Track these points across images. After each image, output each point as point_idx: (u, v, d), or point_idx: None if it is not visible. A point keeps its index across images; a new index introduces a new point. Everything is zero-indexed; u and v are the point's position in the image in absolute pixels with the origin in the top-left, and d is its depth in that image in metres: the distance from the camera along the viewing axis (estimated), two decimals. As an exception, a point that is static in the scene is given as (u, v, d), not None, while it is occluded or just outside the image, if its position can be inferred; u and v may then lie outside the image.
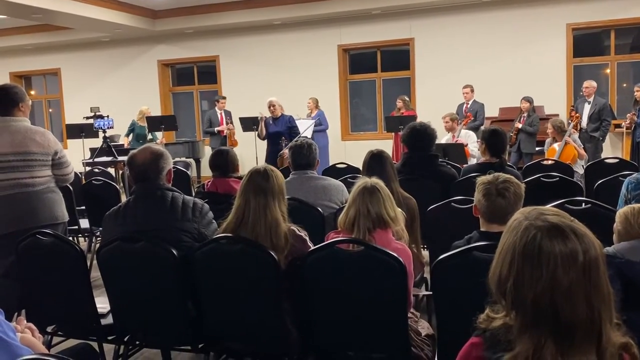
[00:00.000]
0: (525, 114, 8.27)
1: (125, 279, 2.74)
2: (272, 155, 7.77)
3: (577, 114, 7.87)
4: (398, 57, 10.81)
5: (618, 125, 8.63)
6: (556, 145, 6.47)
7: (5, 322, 1.62)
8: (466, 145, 6.80)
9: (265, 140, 8.22)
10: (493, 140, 4.16)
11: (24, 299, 3.10)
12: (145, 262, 2.65)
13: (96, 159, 7.68)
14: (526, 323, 1.19)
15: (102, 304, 2.90)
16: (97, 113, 7.77)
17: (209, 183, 3.79)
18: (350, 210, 2.54)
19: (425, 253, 3.81)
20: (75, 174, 4.13)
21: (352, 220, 2.51)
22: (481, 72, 9.68)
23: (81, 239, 5.70)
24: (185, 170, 6.22)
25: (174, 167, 3.13)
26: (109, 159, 7.58)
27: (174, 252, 2.56)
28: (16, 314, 3.30)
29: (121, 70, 12.35)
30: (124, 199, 3.60)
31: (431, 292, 2.49)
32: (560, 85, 9.55)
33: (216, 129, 9.83)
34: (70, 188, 4.59)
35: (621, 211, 2.44)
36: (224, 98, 10.14)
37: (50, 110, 13.81)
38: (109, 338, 2.88)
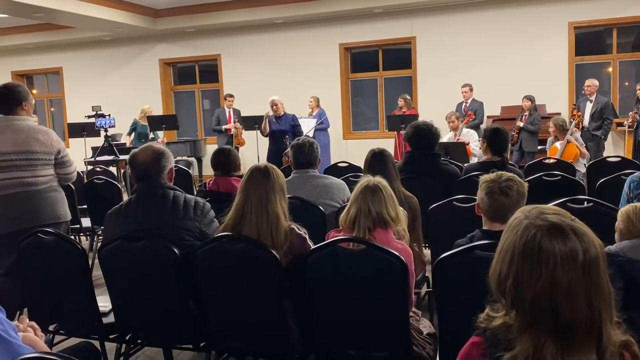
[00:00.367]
0: (527, 113, 8.27)
1: (127, 277, 2.74)
2: (274, 154, 7.68)
3: (579, 113, 7.86)
4: (400, 55, 10.80)
5: (620, 124, 8.61)
6: (558, 144, 6.47)
7: (6, 321, 1.63)
8: (468, 144, 6.80)
9: (267, 139, 8.21)
10: (495, 139, 4.16)
11: (26, 298, 3.10)
12: (146, 261, 2.65)
13: (98, 158, 7.68)
14: (526, 322, 1.19)
15: (104, 302, 2.90)
16: (99, 112, 7.77)
17: (211, 182, 3.79)
18: (351, 209, 2.54)
19: (427, 252, 3.81)
20: (77, 172, 4.13)
21: (353, 218, 2.51)
22: (483, 70, 9.67)
23: (83, 238, 5.71)
24: (187, 169, 6.23)
25: (175, 166, 3.13)
26: (111, 157, 7.58)
27: (176, 251, 2.56)
28: (18, 312, 3.31)
29: (123, 69, 12.36)
30: (125, 197, 3.60)
31: (432, 291, 2.49)
32: (562, 83, 9.53)
33: (223, 127, 9.84)
34: (72, 187, 4.60)
35: (623, 210, 2.44)
36: (232, 96, 10.14)
37: (52, 109, 13.83)
38: (111, 337, 2.89)
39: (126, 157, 3.35)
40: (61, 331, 3.02)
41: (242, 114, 9.78)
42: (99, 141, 8.14)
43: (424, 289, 3.66)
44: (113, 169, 7.43)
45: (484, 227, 2.41)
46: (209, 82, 12.22)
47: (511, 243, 1.22)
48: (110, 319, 2.86)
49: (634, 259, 2.21)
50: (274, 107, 7.89)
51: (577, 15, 9.35)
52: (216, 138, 10.13)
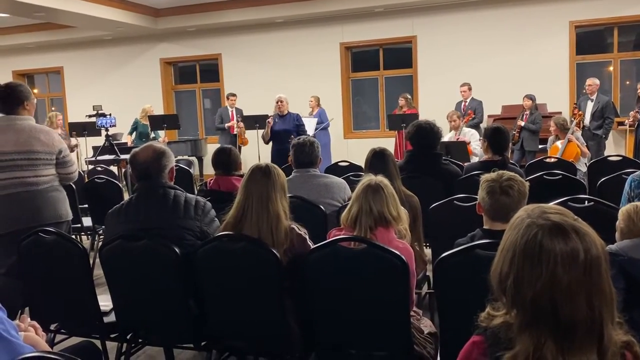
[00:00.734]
0: (528, 112, 8.27)
1: (128, 277, 2.75)
2: (279, 154, 7.49)
3: (580, 112, 7.85)
4: (400, 55, 10.80)
5: (621, 123, 8.61)
6: (559, 143, 6.46)
7: (7, 320, 1.63)
8: (469, 143, 6.79)
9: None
10: (496, 138, 4.15)
11: (27, 297, 3.10)
12: (147, 260, 2.65)
13: (99, 157, 7.68)
14: (526, 321, 1.19)
15: (105, 301, 2.90)
16: (100, 111, 7.77)
17: (212, 181, 3.80)
18: (353, 207, 2.54)
19: (428, 251, 3.81)
20: (78, 172, 4.14)
21: (355, 217, 2.51)
22: (484, 69, 9.67)
23: (84, 237, 5.72)
24: (188, 169, 6.23)
25: (176, 165, 3.13)
26: (112, 157, 7.59)
27: (176, 250, 2.56)
28: (19, 312, 3.32)
29: (124, 69, 12.36)
30: (126, 197, 3.60)
31: (433, 290, 2.48)
32: (563, 82, 9.53)
33: (226, 124, 9.85)
34: (73, 186, 4.60)
35: (624, 209, 2.44)
36: (234, 95, 10.15)
37: (53, 108, 13.83)
38: (112, 336, 2.89)
39: (127, 156, 3.35)
40: (62, 330, 3.03)
41: (243, 113, 9.80)
42: (100, 141, 8.14)
43: (425, 289, 3.66)
44: (114, 169, 7.42)
45: (484, 227, 2.41)
46: (209, 81, 12.23)
47: (513, 242, 1.22)
48: (111, 318, 2.87)
49: (635, 258, 2.21)
50: (279, 103, 7.80)
51: (578, 14, 9.34)
52: (218, 137, 10.14)
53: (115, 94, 11.91)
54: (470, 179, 3.79)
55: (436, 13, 10.06)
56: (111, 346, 2.97)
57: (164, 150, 2.86)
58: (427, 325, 2.64)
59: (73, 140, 8.55)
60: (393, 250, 2.30)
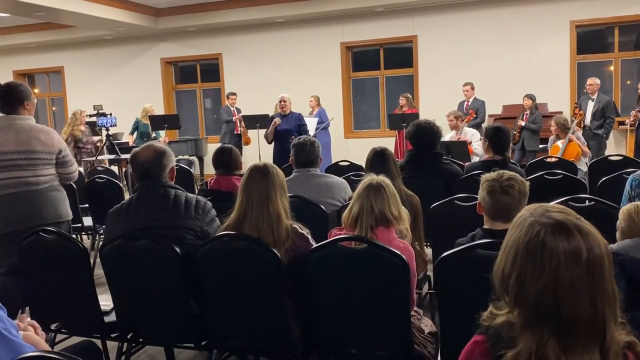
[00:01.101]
0: (528, 112, 8.27)
1: (128, 276, 2.75)
2: (281, 153, 7.47)
3: (581, 112, 7.84)
4: (401, 54, 10.80)
5: (622, 123, 8.60)
6: (560, 143, 6.46)
7: (8, 319, 1.63)
8: (470, 143, 6.78)
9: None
10: (496, 138, 4.15)
11: (27, 297, 3.10)
12: (148, 260, 2.65)
13: (99, 157, 7.68)
14: (528, 320, 1.18)
15: (105, 301, 2.90)
16: (100, 111, 7.78)
17: (212, 181, 3.80)
18: (354, 207, 2.54)
19: (429, 251, 3.81)
20: (79, 171, 4.13)
21: (356, 216, 2.51)
22: (484, 69, 9.67)
23: (84, 237, 5.72)
24: (188, 168, 6.23)
25: (176, 165, 3.13)
26: (112, 156, 7.59)
27: (177, 249, 2.56)
28: (19, 311, 3.31)
29: (124, 68, 12.37)
30: (127, 196, 3.60)
31: (434, 290, 2.48)
32: (563, 82, 9.53)
33: (233, 117, 9.94)
34: (74, 186, 4.60)
35: (624, 209, 2.43)
36: (235, 94, 10.17)
37: (53, 108, 13.84)
38: (112, 335, 2.89)
39: (127, 156, 3.35)
40: (62, 330, 3.02)
41: (243, 114, 9.82)
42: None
43: (425, 288, 3.66)
44: (114, 168, 7.43)
45: (485, 226, 2.40)
46: (210, 81, 12.23)
47: (515, 240, 1.22)
48: (112, 317, 2.87)
49: (636, 257, 2.21)
50: (282, 103, 7.79)
51: (578, 14, 9.34)
52: (219, 137, 10.15)
53: (115, 93, 11.92)
54: (471, 178, 3.78)
55: (437, 13, 10.05)
56: (112, 346, 2.97)
57: (164, 149, 2.85)
58: (427, 325, 2.63)
59: (96, 137, 8.74)
60: (394, 250, 2.30)
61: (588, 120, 8.05)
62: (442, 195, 3.55)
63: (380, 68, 11.01)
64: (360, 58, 11.23)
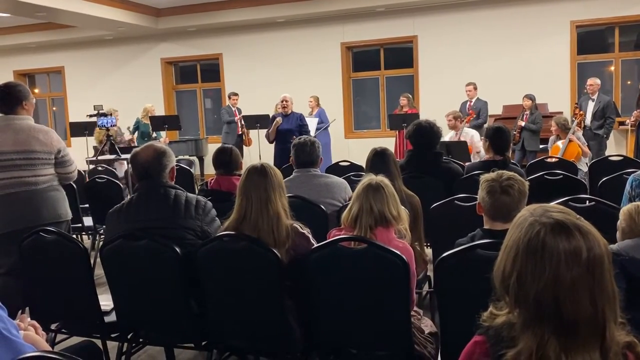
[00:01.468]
0: (528, 112, 8.26)
1: (129, 276, 2.75)
2: (282, 153, 7.48)
3: (581, 112, 7.84)
4: (401, 54, 10.80)
5: (622, 123, 8.60)
6: (560, 143, 6.46)
7: (8, 320, 1.63)
8: (470, 143, 6.78)
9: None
10: (497, 138, 4.15)
11: (27, 297, 3.10)
12: (148, 260, 2.65)
13: (99, 157, 7.68)
14: (529, 319, 1.19)
15: (106, 301, 2.90)
16: (101, 111, 7.77)
17: (212, 181, 3.80)
18: (353, 207, 2.54)
19: (429, 251, 3.81)
20: (79, 171, 4.13)
21: (355, 216, 2.51)
22: (485, 69, 9.66)
23: (85, 237, 5.72)
24: (189, 168, 6.23)
25: (177, 165, 3.13)
26: (113, 156, 7.58)
27: (177, 249, 2.56)
28: (20, 311, 3.31)
29: (124, 69, 12.37)
30: (127, 196, 3.60)
31: (434, 290, 2.48)
32: (564, 82, 9.52)
33: (235, 118, 9.94)
34: (74, 186, 4.60)
35: (625, 209, 2.43)
36: (236, 94, 10.18)
37: (54, 108, 13.84)
38: (113, 335, 2.89)
39: (128, 156, 3.35)
40: (63, 330, 3.02)
41: (243, 114, 9.82)
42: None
43: (426, 288, 3.66)
44: (118, 166, 7.44)
45: (485, 227, 2.40)
46: (210, 81, 12.23)
47: (516, 240, 1.22)
48: (112, 317, 2.87)
49: (636, 257, 2.21)
50: (284, 102, 7.79)
51: (579, 14, 9.33)
52: (220, 137, 10.15)
53: (116, 93, 11.91)
54: (471, 178, 3.79)
55: (437, 13, 10.05)
56: (112, 346, 2.97)
57: (164, 149, 2.86)
58: (427, 325, 2.64)
59: (127, 135, 9.01)
60: (394, 250, 2.30)
61: (588, 120, 8.05)
62: (442, 195, 3.55)
63: (381, 68, 11.01)
64: (361, 58, 11.23)
